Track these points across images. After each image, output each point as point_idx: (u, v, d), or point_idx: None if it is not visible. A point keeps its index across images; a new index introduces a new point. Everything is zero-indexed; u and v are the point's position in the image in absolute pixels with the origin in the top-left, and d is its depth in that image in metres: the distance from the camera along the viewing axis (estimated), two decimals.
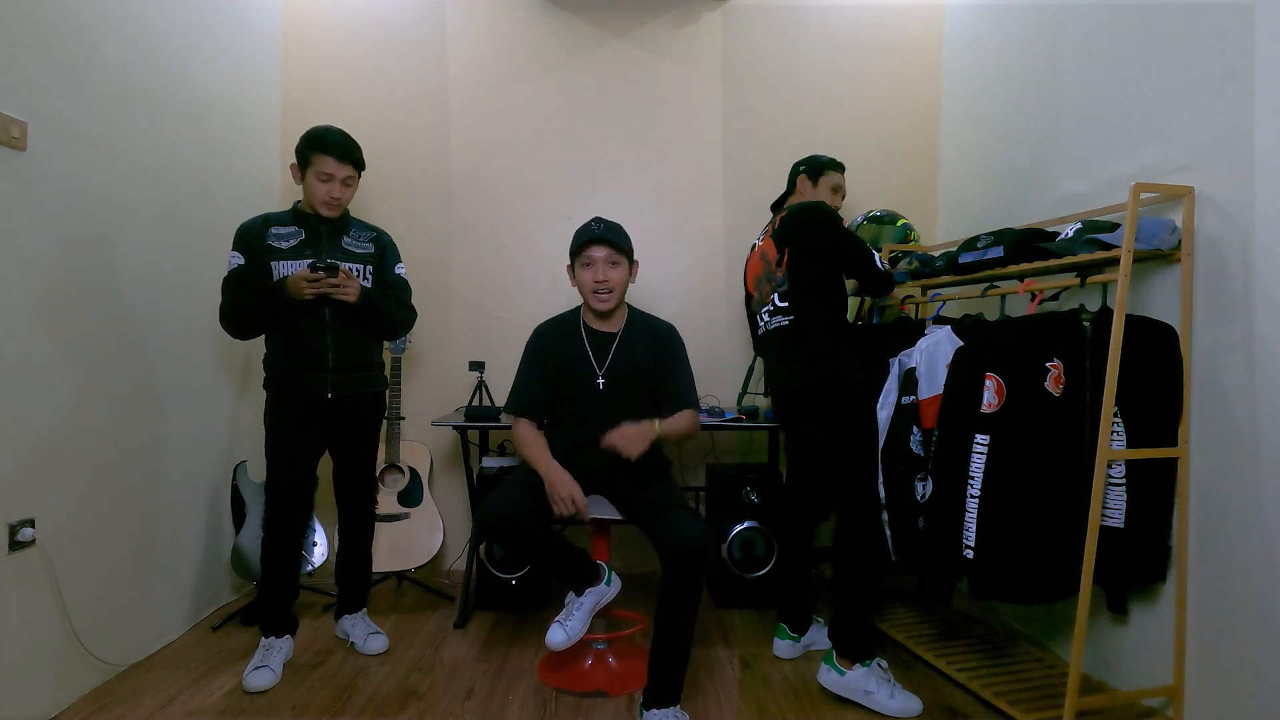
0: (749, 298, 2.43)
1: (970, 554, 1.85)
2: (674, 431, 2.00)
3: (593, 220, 2.08)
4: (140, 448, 2.21)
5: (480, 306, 3.07)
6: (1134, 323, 1.78)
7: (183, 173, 2.40)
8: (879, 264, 2.17)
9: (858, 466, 2.05)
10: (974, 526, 1.85)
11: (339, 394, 2.13)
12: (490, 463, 2.72)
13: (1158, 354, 1.80)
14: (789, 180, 2.42)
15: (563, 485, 1.92)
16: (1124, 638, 1.99)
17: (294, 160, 2.12)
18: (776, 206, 2.41)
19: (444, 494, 3.03)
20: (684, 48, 3.09)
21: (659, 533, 1.83)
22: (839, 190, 2.38)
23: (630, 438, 1.91)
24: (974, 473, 1.86)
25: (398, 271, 2.27)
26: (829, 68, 3.09)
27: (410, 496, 2.77)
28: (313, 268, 1.99)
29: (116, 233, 2.10)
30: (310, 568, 2.57)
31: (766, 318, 2.23)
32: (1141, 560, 1.82)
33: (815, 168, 2.37)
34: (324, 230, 2.14)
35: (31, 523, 1.79)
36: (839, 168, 2.39)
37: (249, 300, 2.06)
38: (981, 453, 1.85)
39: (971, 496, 1.86)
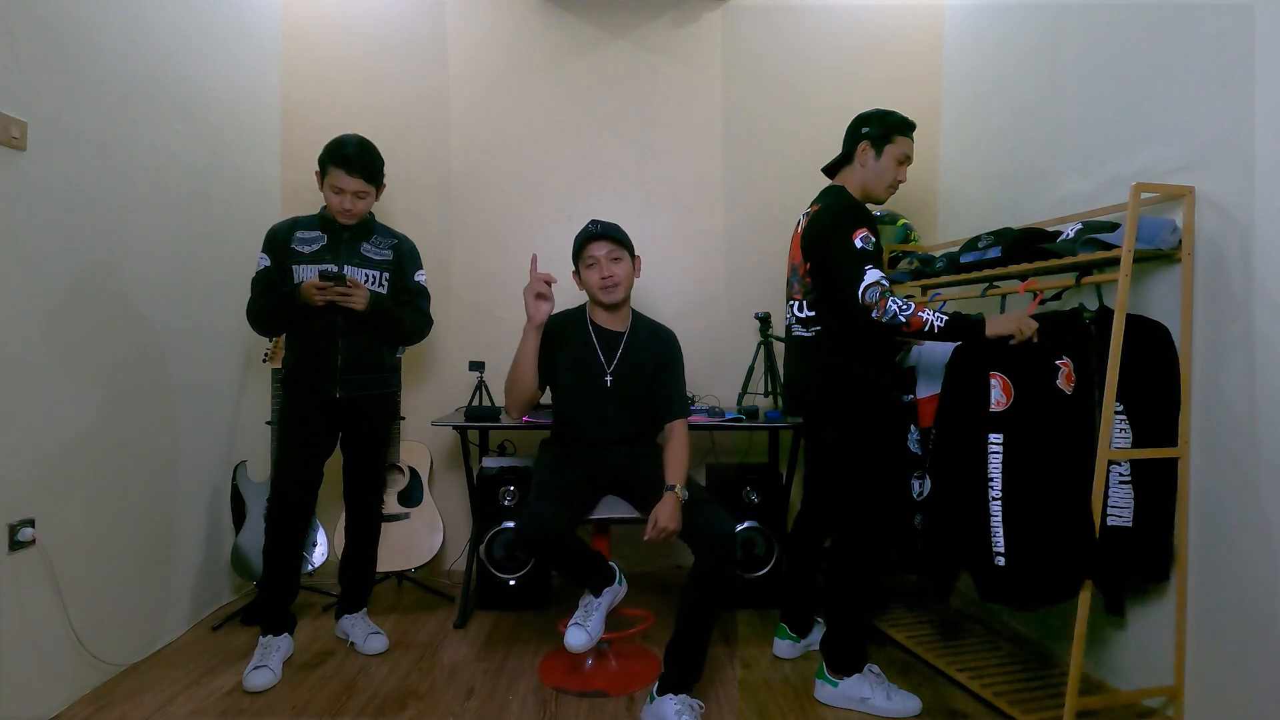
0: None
1: (1001, 560, 1.77)
2: (685, 471, 1.99)
3: (589, 222, 2.10)
4: (140, 447, 2.21)
5: (480, 306, 3.07)
6: (1132, 322, 1.78)
7: (183, 173, 2.40)
8: (860, 297, 1.79)
9: (866, 479, 1.97)
10: (1000, 530, 1.78)
11: (347, 394, 2.15)
12: (490, 463, 2.72)
13: (1157, 352, 1.79)
14: (846, 142, 2.05)
15: (529, 292, 1.98)
16: (1124, 638, 1.99)
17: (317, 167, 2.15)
18: (830, 171, 2.11)
19: (444, 494, 3.03)
20: (684, 48, 3.09)
21: (696, 523, 1.86)
22: (906, 160, 2.00)
23: (669, 517, 1.86)
24: (993, 474, 1.82)
25: (417, 279, 2.28)
26: (829, 68, 3.09)
27: (410, 496, 2.77)
28: (321, 275, 2.03)
29: (116, 232, 2.10)
30: (310, 568, 2.57)
31: (791, 318, 2.09)
32: (1147, 559, 1.81)
33: (883, 133, 1.95)
34: (345, 236, 2.16)
35: (31, 523, 1.79)
36: (910, 129, 1.99)
37: (270, 301, 2.11)
38: (997, 452, 1.83)
39: (994, 499, 1.81)
